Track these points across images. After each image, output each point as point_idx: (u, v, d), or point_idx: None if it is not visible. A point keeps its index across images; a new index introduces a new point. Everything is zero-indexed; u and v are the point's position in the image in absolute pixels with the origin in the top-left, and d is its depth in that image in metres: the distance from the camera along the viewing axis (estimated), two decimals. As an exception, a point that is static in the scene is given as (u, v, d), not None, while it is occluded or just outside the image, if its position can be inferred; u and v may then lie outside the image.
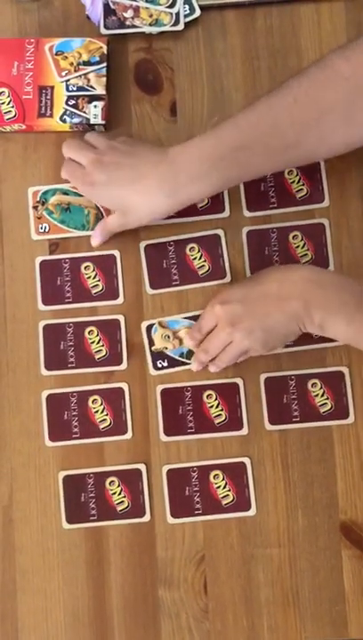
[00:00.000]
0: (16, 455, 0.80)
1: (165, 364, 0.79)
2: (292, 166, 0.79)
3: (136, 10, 0.83)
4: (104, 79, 0.81)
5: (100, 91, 0.81)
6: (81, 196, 0.81)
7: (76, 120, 0.81)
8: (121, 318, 0.81)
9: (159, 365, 0.79)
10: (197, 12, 0.83)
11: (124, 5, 0.83)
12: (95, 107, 0.81)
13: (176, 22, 0.83)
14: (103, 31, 0.83)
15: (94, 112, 0.81)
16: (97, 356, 0.80)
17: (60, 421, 0.79)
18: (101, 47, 0.82)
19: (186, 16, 0.83)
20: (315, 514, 0.78)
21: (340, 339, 0.74)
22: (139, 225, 0.77)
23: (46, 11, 0.86)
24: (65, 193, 0.82)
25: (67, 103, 0.81)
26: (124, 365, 0.80)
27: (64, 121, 0.81)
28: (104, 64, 0.81)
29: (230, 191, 0.82)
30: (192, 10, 0.83)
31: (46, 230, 0.82)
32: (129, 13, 0.83)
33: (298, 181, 0.82)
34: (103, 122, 0.81)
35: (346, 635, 0.76)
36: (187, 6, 0.83)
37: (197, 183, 0.73)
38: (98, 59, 0.82)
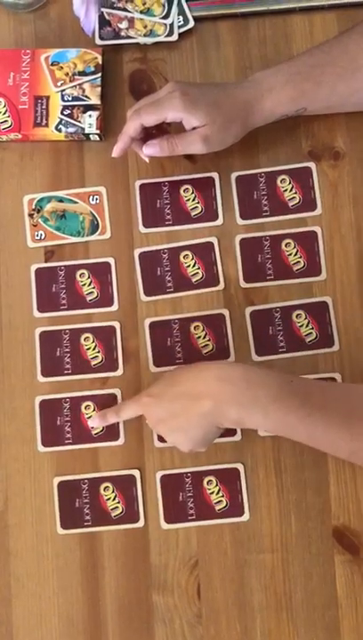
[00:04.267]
0: (11, 461, 0.80)
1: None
2: (359, 98, 0.79)
3: (131, 21, 0.85)
4: (99, 89, 0.82)
5: (95, 100, 0.82)
6: (75, 202, 0.82)
7: (71, 130, 0.82)
8: (116, 325, 0.82)
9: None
10: (191, 23, 0.85)
11: (118, 16, 0.85)
12: (90, 116, 0.82)
13: (170, 33, 0.84)
14: (98, 42, 0.85)
15: (89, 122, 0.82)
16: (93, 363, 0.81)
17: (52, 427, 0.80)
18: (96, 57, 0.83)
19: (180, 27, 0.85)
20: (308, 519, 0.78)
21: (259, 429, 0.77)
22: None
23: (42, 22, 0.87)
24: (60, 200, 0.83)
25: (62, 113, 0.82)
26: (120, 371, 0.81)
27: (59, 130, 0.82)
28: (99, 74, 0.83)
29: (224, 199, 0.83)
30: (186, 21, 0.85)
31: (42, 237, 0.83)
32: (124, 24, 0.85)
33: (291, 189, 0.83)
34: (98, 131, 0.82)
35: (339, 640, 0.76)
36: (181, 17, 0.85)
37: (273, 93, 0.76)
38: (93, 69, 0.83)
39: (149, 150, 0.77)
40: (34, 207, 0.83)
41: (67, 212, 0.83)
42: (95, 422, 0.78)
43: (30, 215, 0.83)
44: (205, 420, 0.69)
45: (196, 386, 0.69)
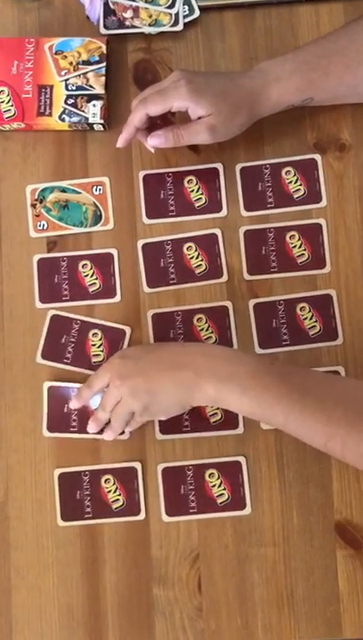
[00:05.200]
0: (12, 453, 0.80)
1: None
2: None
3: (136, 10, 0.84)
4: (103, 79, 0.82)
5: (100, 90, 0.82)
6: (78, 193, 0.82)
7: (74, 119, 0.81)
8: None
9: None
10: (197, 13, 0.84)
11: (123, 6, 0.84)
12: (94, 106, 0.81)
13: (175, 23, 0.84)
14: (103, 31, 0.84)
15: (93, 111, 0.81)
16: (93, 360, 0.81)
17: (58, 415, 0.79)
18: (101, 47, 0.82)
19: (185, 16, 0.84)
20: (310, 513, 0.78)
21: (236, 409, 0.71)
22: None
23: (47, 10, 0.86)
24: (63, 190, 0.83)
25: (66, 102, 0.81)
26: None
27: (63, 120, 0.81)
28: (103, 64, 0.82)
29: (228, 191, 0.82)
30: (191, 10, 0.84)
31: (45, 228, 0.83)
32: (128, 14, 0.84)
33: (296, 182, 0.82)
34: (102, 121, 0.81)
35: (340, 635, 0.76)
36: (186, 7, 0.84)
37: (280, 82, 0.75)
38: (97, 58, 0.82)
39: (155, 141, 0.77)
40: (36, 197, 0.83)
41: (70, 202, 0.83)
42: (75, 404, 0.76)
43: (33, 205, 0.83)
44: (178, 390, 0.70)
45: (177, 357, 0.71)
